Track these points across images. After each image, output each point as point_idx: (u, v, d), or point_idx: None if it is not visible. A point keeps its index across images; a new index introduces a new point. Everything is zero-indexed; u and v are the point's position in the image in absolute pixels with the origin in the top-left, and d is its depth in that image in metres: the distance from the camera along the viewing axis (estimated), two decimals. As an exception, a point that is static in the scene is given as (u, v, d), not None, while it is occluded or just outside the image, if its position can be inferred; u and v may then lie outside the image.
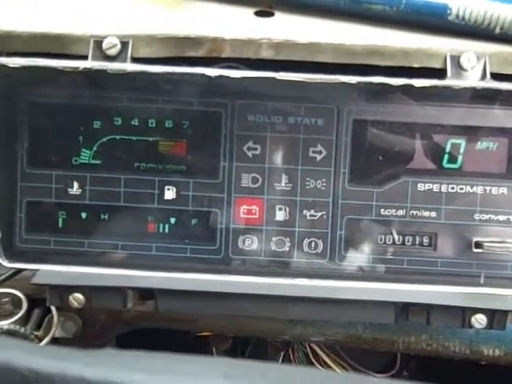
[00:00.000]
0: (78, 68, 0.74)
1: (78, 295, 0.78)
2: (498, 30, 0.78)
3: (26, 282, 0.81)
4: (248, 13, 0.82)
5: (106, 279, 0.78)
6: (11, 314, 0.87)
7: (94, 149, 0.79)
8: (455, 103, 0.78)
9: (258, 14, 0.82)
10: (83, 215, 0.81)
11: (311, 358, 1.12)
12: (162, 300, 0.79)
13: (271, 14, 0.82)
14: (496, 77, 0.77)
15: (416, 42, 0.79)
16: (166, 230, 0.81)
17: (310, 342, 1.06)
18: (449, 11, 0.78)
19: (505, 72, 0.78)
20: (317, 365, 1.12)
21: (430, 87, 0.74)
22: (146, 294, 0.80)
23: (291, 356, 1.14)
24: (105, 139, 0.79)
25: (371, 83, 0.75)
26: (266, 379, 0.50)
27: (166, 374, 0.49)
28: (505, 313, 0.77)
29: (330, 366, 1.12)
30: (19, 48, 0.77)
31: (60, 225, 0.81)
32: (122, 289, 0.78)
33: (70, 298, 0.78)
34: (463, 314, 0.77)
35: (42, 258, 0.80)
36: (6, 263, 0.79)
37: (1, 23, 0.78)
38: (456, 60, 0.76)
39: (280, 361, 1.14)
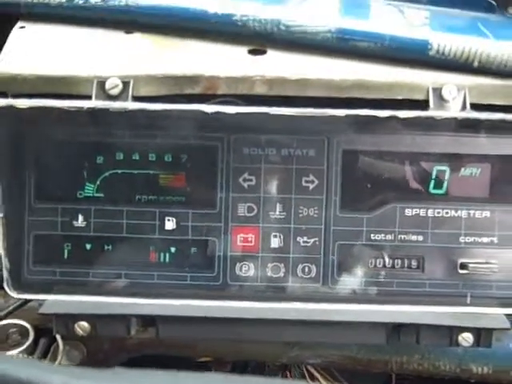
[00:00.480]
0: (83, 108, 0.77)
1: (84, 323, 0.80)
2: (476, 64, 0.81)
3: (33, 312, 0.84)
4: (242, 51, 0.85)
5: (110, 307, 0.80)
6: (19, 344, 0.89)
7: (98, 183, 0.82)
8: (439, 132, 0.81)
9: (251, 52, 0.85)
10: (88, 246, 0.84)
11: (308, 379, 1.14)
12: (163, 326, 0.81)
13: (264, 52, 0.85)
14: (476, 107, 0.80)
15: (400, 76, 0.82)
16: (167, 259, 0.84)
17: (307, 364, 1.07)
18: (429, 47, 0.82)
19: (484, 102, 0.82)
20: (313, 387, 1.13)
21: (415, 118, 0.78)
22: (148, 321, 0.82)
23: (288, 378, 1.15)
24: (107, 173, 0.82)
25: (359, 115, 0.78)
26: None
27: None
28: (490, 331, 0.80)
29: (326, 389, 1.14)
30: (26, 90, 0.80)
31: (66, 256, 0.84)
32: (126, 316, 0.80)
33: (76, 326, 0.80)
34: (451, 332, 0.80)
35: (48, 289, 0.82)
36: (15, 294, 0.82)
37: (8, 66, 0.81)
38: (438, 92, 0.80)
39: None
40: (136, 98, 0.80)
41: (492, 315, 0.81)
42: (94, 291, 0.82)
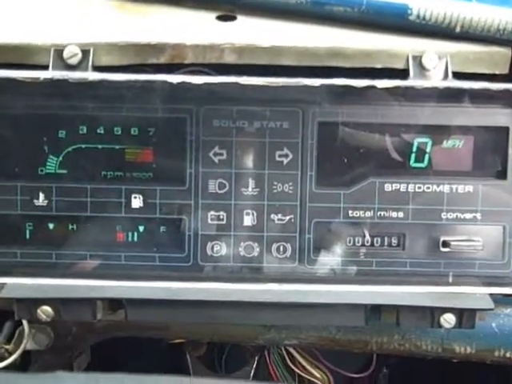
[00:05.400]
0: (39, 78, 0.75)
1: (47, 308, 0.78)
2: (458, 29, 0.80)
3: (-4, 295, 0.82)
4: (210, 17, 0.83)
5: (75, 291, 0.78)
6: (-19, 328, 0.87)
7: (60, 159, 0.79)
8: (420, 103, 0.79)
9: (219, 18, 0.83)
10: (50, 226, 0.81)
11: (287, 360, 1.12)
12: (132, 309, 0.79)
13: (233, 18, 0.83)
14: (458, 76, 0.78)
15: (378, 43, 0.80)
16: (135, 239, 0.81)
17: (284, 345, 1.06)
18: (409, 11, 0.80)
19: (467, 71, 0.80)
20: (293, 367, 1.12)
21: (394, 88, 0.76)
22: (115, 304, 0.80)
23: (267, 359, 1.14)
24: (70, 148, 0.79)
25: (334, 85, 0.76)
26: None
27: None
28: (473, 311, 0.78)
29: (306, 369, 1.12)
30: (-21, 60, 0.78)
31: (27, 237, 0.81)
32: (92, 300, 0.78)
33: (39, 311, 0.78)
34: (432, 313, 0.79)
35: (9, 272, 0.80)
36: (-28, 277, 0.79)
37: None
38: (418, 60, 0.78)
39: (255, 364, 1.14)
40: (97, 68, 0.77)
41: (475, 295, 0.80)
42: (58, 273, 0.80)
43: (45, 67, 0.77)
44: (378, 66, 0.79)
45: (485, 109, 0.79)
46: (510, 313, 0.91)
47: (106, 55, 0.78)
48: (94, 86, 0.76)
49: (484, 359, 0.92)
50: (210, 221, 0.81)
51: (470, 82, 0.76)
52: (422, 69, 0.78)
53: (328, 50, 0.79)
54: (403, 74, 0.78)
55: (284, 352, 1.12)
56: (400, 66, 0.79)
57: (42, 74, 0.75)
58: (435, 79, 0.78)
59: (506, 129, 0.80)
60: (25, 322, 0.89)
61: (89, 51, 0.77)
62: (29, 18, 0.81)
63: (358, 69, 0.80)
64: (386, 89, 0.76)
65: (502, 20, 0.79)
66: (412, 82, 0.77)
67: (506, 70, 0.81)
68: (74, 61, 0.76)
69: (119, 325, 0.91)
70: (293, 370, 1.13)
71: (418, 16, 0.80)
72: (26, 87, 0.76)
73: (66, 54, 0.76)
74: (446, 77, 0.78)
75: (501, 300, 0.88)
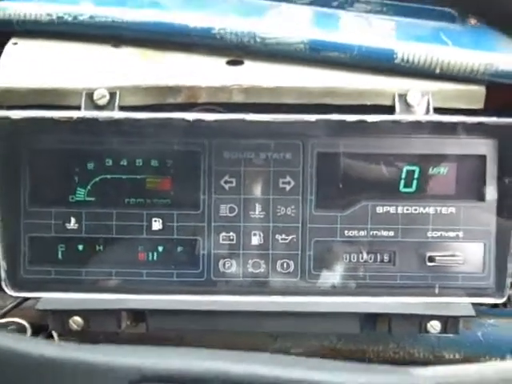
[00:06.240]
0: (72, 118, 0.82)
1: (78, 318, 0.84)
2: (438, 71, 0.86)
3: (30, 310, 0.89)
4: (220, 62, 0.89)
5: (102, 303, 0.85)
6: (16, 342, 0.93)
7: (88, 187, 0.86)
8: (407, 135, 0.85)
9: (229, 63, 0.89)
10: (80, 247, 0.88)
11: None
12: (152, 320, 0.86)
13: (241, 63, 0.89)
14: (440, 111, 0.85)
15: (368, 83, 0.86)
16: (155, 258, 0.88)
17: (291, 354, 1.10)
18: (395, 55, 0.86)
19: (447, 106, 0.86)
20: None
21: (382, 122, 0.83)
22: (137, 315, 0.86)
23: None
24: (97, 179, 0.86)
25: (330, 120, 0.82)
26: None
27: None
28: (457, 319, 0.84)
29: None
30: (19, 102, 0.84)
31: (60, 256, 0.87)
32: (117, 311, 0.84)
33: (70, 321, 0.84)
34: (420, 321, 0.84)
35: (44, 287, 0.86)
36: (12, 292, 0.86)
37: (2, 80, 0.85)
38: (403, 98, 0.85)
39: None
40: (122, 108, 0.84)
41: (459, 304, 0.85)
42: (87, 289, 0.86)
43: (74, 107, 0.83)
44: (368, 103, 0.85)
45: (465, 139, 0.85)
46: (494, 323, 0.94)
47: (130, 96, 0.85)
48: (120, 124, 0.83)
49: (471, 366, 0.97)
50: (221, 241, 0.87)
51: (450, 116, 0.83)
52: (407, 105, 0.84)
53: (324, 90, 0.85)
54: (390, 109, 0.85)
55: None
56: (387, 103, 0.85)
57: (74, 114, 0.82)
58: (418, 114, 0.84)
59: (484, 157, 0.86)
60: (55, 335, 0.93)
61: (115, 93, 0.83)
62: (63, 64, 0.87)
63: (350, 106, 0.86)
64: (376, 123, 0.82)
65: (475, 62, 0.84)
66: (397, 116, 0.83)
67: (481, 106, 0.87)
68: (102, 102, 0.83)
69: (140, 337, 0.94)
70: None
71: (403, 59, 0.85)
72: (59, 125, 0.82)
73: (95, 96, 0.83)
74: (428, 112, 0.84)
75: (486, 311, 0.94)
